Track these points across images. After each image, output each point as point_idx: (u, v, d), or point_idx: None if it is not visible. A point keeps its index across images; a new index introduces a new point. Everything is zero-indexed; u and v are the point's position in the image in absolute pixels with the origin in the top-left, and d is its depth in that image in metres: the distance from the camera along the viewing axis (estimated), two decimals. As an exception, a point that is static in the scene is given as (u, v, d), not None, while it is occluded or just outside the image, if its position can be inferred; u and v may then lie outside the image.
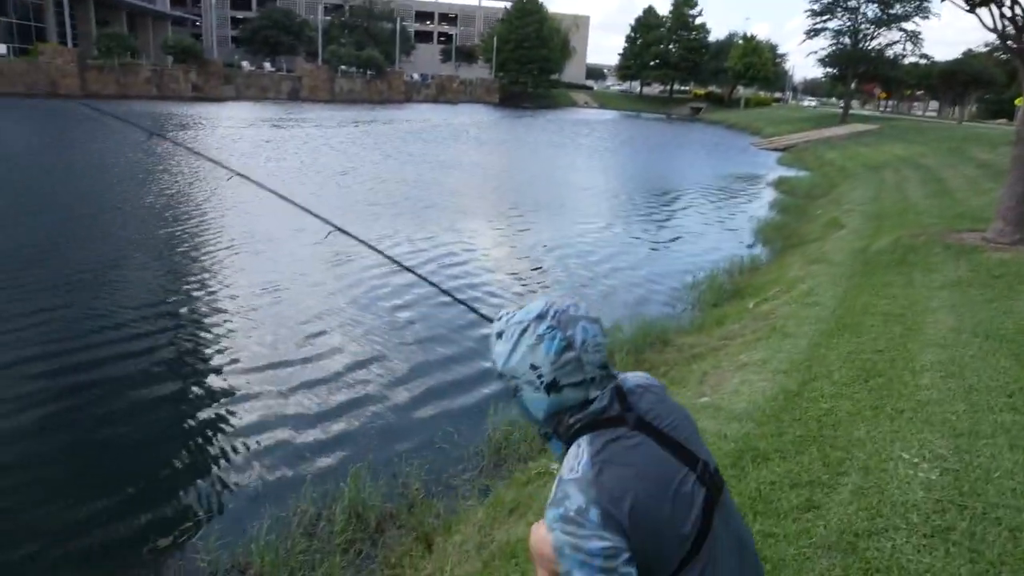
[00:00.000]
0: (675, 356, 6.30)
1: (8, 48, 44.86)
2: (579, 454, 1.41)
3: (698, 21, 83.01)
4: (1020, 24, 8.75)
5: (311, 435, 5.15)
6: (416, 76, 78.24)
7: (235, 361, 6.33)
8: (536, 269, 10.15)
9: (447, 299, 8.24)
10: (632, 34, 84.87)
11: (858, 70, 49.36)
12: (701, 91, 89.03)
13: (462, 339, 7.08)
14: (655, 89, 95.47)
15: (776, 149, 36.54)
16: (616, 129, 49.20)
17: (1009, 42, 9.11)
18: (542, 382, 1.41)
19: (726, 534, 1.48)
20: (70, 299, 7.63)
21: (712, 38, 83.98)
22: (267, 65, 70.28)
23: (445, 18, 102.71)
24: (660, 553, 1.38)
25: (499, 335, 1.48)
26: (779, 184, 21.00)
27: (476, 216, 14.00)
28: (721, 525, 1.47)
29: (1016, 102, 42.15)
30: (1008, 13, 8.75)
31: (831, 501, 3.04)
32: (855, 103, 55.67)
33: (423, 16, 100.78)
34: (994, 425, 3.65)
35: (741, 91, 79.32)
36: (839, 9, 48.34)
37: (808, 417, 3.97)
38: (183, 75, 53.49)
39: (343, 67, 66.31)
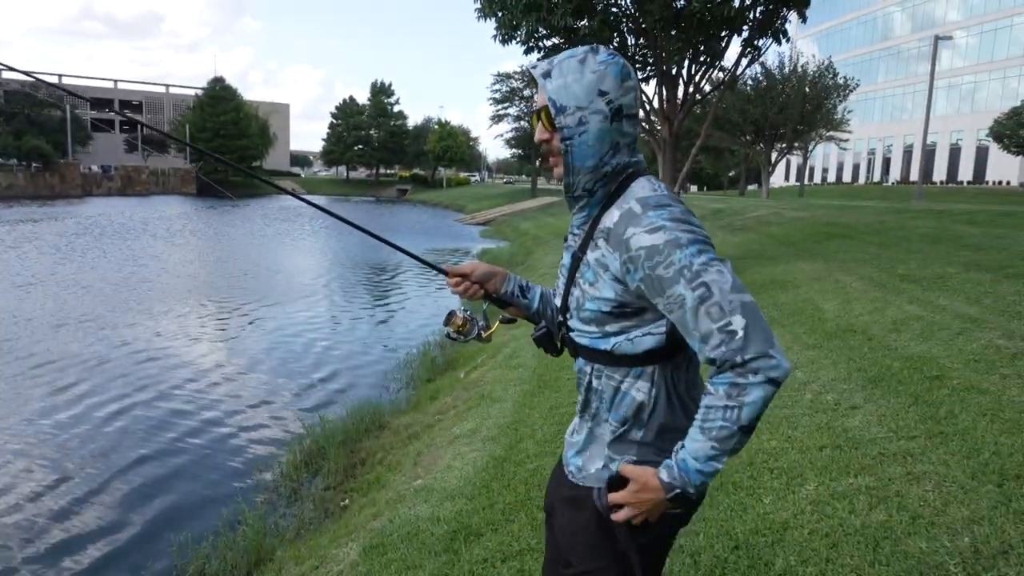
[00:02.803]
0: (391, 439, 6.08)
1: None
2: (653, 183, 1.39)
3: (396, 109, 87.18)
4: (647, 110, 10.47)
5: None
6: (96, 167, 70.13)
7: None
8: (240, 364, 9.31)
9: (129, 400, 7.12)
10: (335, 121, 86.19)
11: (539, 149, 55.71)
12: (406, 173, 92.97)
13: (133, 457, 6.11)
14: (362, 173, 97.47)
15: (478, 224, 39.22)
16: (325, 214, 48.71)
17: (643, 124, 10.82)
18: (611, 108, 1.35)
19: None
20: None
21: (411, 123, 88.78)
22: None
23: (128, 105, 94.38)
24: None
25: (547, 73, 1.37)
26: (482, 255, 22.38)
27: (174, 313, 12.57)
28: None
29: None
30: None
31: (540, 565, 3.02)
32: (541, 179, 62.53)
33: (101, 103, 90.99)
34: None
35: (442, 172, 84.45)
36: (516, 98, 54.50)
37: (516, 482, 4.00)
38: None
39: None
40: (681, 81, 10.08)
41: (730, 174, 61.12)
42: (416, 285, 16.97)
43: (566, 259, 1.52)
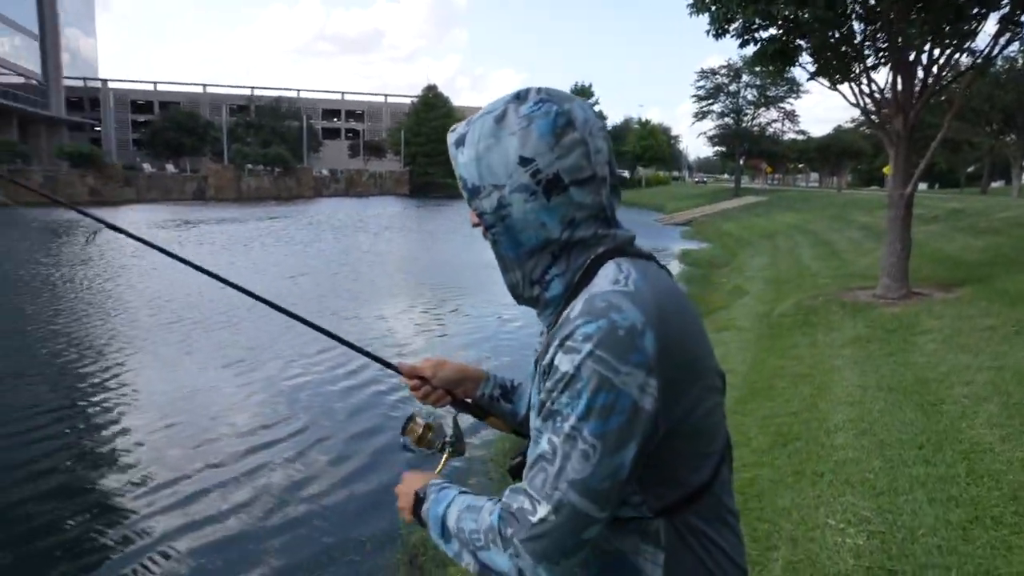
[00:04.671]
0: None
1: None
2: (622, 269, 0.97)
3: (596, 109, 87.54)
4: (878, 99, 9.56)
5: (181, 560, 4.61)
6: (325, 172, 78.54)
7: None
8: (459, 354, 9.92)
9: (345, 383, 7.89)
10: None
11: (744, 147, 53.08)
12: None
13: (367, 419, 6.73)
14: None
15: (678, 224, 38.28)
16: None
17: (872, 117, 9.90)
18: (540, 180, 0.97)
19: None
20: None
21: (610, 123, 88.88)
22: (169, 167, 68.98)
23: (352, 114, 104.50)
24: (686, 448, 0.97)
25: (459, 141, 1.04)
26: (684, 256, 21.79)
27: (396, 302, 13.73)
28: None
29: (884, 170, 46.33)
30: (867, 90, 9.55)
31: (768, 573, 2.90)
32: (745, 177, 59.65)
33: (330, 113, 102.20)
34: (910, 480, 3.64)
35: (641, 171, 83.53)
36: (721, 94, 52.35)
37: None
38: (79, 180, 51.61)
39: (250, 165, 65.82)
40: (920, 68, 9.06)
41: (968, 170, 53.99)
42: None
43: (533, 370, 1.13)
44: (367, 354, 1.46)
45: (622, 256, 1.01)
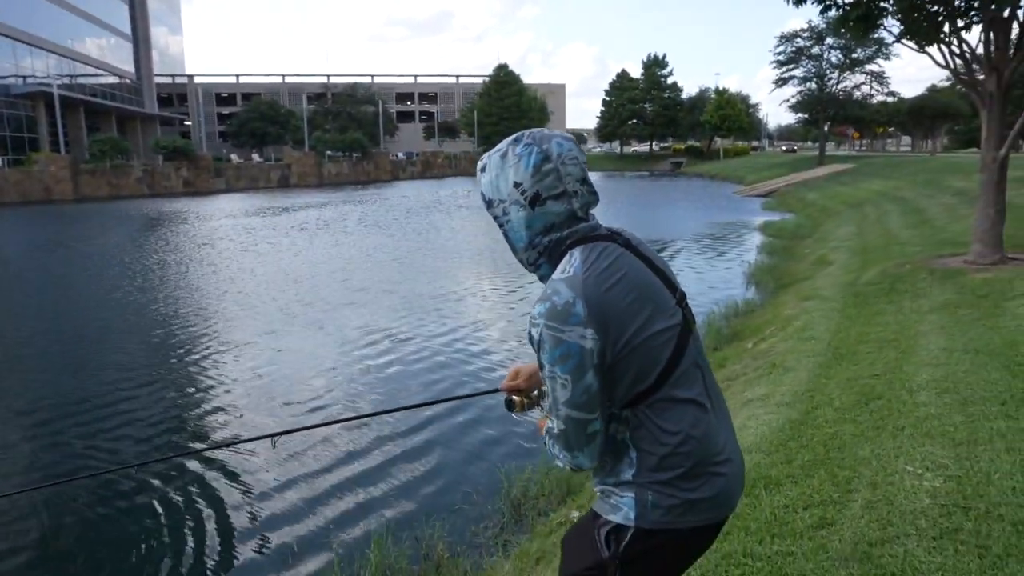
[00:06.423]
0: (681, 399, 6.43)
1: (3, 160, 45.98)
2: (571, 259, 1.49)
3: (670, 80, 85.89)
4: (968, 59, 9.29)
5: (330, 504, 5.23)
6: (401, 155, 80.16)
7: (244, 423, 6.46)
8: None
9: (462, 367, 8.45)
10: (608, 97, 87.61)
11: (828, 113, 50.99)
12: (680, 146, 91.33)
13: (472, 400, 7.22)
14: (634, 148, 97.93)
15: (759, 195, 37.38)
16: (600, 189, 50.08)
17: (962, 76, 9.64)
18: (526, 197, 1.49)
19: (700, 361, 1.58)
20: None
21: (685, 94, 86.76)
22: (255, 156, 71.95)
23: (425, 97, 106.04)
24: (631, 366, 1.44)
25: (483, 169, 1.57)
26: (766, 228, 21.47)
27: (469, 281, 14.29)
28: (695, 352, 1.56)
29: (984, 131, 43.45)
30: (957, 50, 9.30)
31: (843, 516, 3.18)
32: (830, 145, 57.25)
33: (403, 97, 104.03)
34: (990, 432, 3.81)
35: (719, 142, 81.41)
36: (803, 58, 50.37)
37: (814, 443, 4.12)
38: (174, 172, 54.70)
39: (329, 152, 67.91)
40: (1016, 23, 8.76)
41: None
42: (700, 256, 16.98)
43: None
44: (475, 395, 2.31)
45: (583, 244, 1.51)
